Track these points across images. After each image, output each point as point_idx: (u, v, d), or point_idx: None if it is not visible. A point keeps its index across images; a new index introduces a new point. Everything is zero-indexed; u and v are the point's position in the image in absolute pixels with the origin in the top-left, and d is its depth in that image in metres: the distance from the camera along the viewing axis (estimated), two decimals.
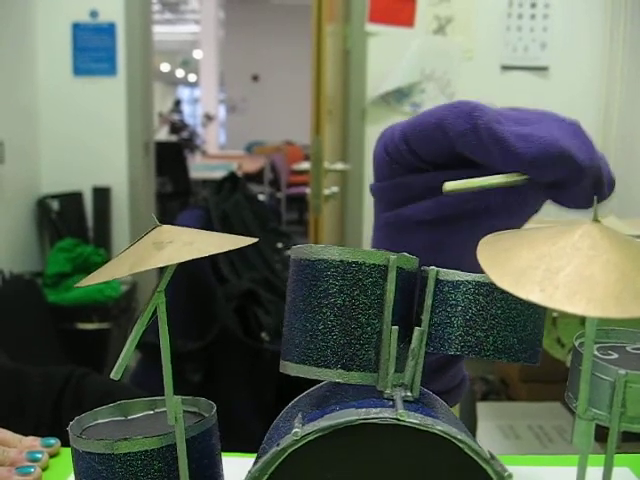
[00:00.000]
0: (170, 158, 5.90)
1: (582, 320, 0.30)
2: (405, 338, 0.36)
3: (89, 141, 3.18)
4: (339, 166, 2.35)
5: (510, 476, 0.32)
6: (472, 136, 0.46)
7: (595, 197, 0.35)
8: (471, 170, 0.48)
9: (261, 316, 1.80)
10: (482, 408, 2.31)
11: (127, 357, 0.33)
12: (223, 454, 0.42)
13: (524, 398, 2.46)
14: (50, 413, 0.76)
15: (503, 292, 0.36)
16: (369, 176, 3.11)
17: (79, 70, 3.14)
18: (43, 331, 2.63)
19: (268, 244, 2.16)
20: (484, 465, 0.32)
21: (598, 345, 0.37)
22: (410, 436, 0.32)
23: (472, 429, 1.87)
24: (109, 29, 3.12)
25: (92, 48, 3.12)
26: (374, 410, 0.33)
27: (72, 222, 3.14)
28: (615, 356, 0.35)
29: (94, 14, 3.11)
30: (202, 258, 0.32)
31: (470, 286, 0.36)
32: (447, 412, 0.38)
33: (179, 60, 12.33)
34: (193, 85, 12.96)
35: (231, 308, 1.78)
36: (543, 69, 3.08)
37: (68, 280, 2.81)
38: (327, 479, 0.33)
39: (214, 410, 0.41)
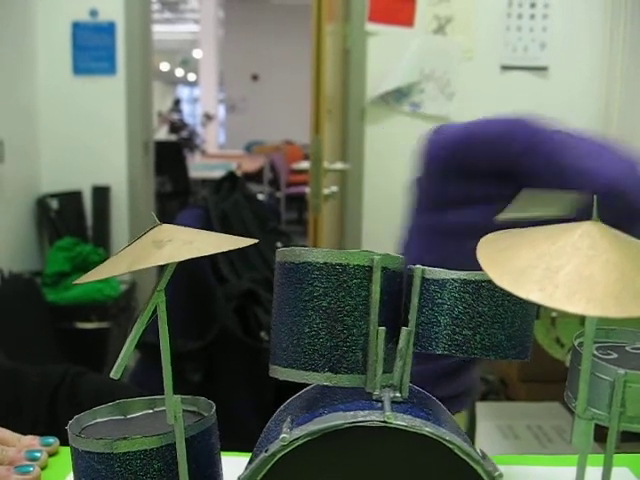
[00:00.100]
0: (169, 157, 5.89)
1: (582, 320, 0.30)
2: (392, 338, 0.36)
3: (88, 140, 3.18)
4: (338, 166, 2.35)
5: (501, 475, 0.32)
6: (531, 159, 0.46)
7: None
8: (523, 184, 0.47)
9: (261, 316, 1.80)
10: (481, 408, 2.31)
11: (127, 356, 0.33)
12: (222, 453, 0.42)
13: (523, 398, 2.45)
14: (46, 411, 0.76)
15: (490, 290, 0.36)
16: (368, 175, 3.11)
17: (79, 69, 3.14)
18: (42, 330, 2.63)
19: (268, 244, 2.16)
20: (474, 465, 0.32)
21: (597, 345, 0.37)
22: (399, 438, 0.32)
23: (471, 429, 1.87)
24: (109, 28, 3.12)
25: (92, 47, 3.12)
26: (362, 413, 0.33)
27: (71, 221, 3.13)
28: (614, 356, 0.35)
29: (94, 13, 3.11)
30: (202, 257, 0.32)
31: (456, 284, 0.36)
32: (438, 411, 0.38)
33: (179, 59, 12.32)
34: (193, 84, 12.96)
35: (231, 308, 1.77)
36: (543, 69, 3.08)
37: (67, 279, 2.81)
38: None
39: (213, 409, 0.41)
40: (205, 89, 10.53)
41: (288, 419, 0.35)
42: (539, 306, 0.28)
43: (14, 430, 0.59)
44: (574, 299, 0.25)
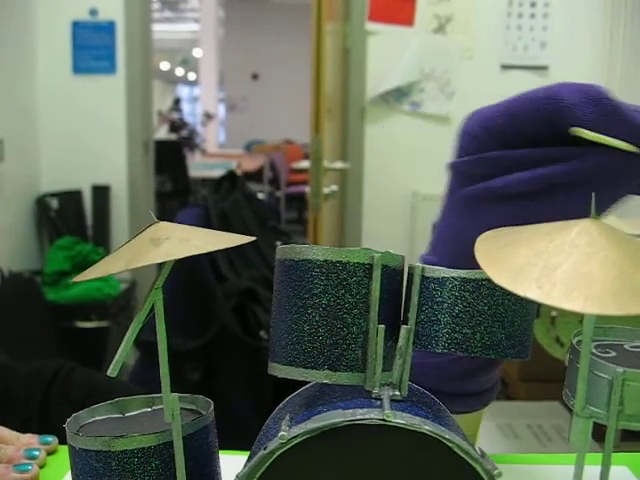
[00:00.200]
0: (169, 157, 5.90)
1: (581, 319, 0.30)
2: (392, 337, 0.36)
3: (88, 139, 3.18)
4: (338, 165, 2.35)
5: (500, 474, 0.32)
6: (587, 107, 0.46)
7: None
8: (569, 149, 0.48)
9: (260, 314, 1.80)
10: None
11: (124, 354, 0.33)
12: (221, 452, 0.42)
13: (523, 397, 2.45)
14: (38, 406, 0.76)
15: (489, 288, 0.35)
16: (368, 175, 3.11)
17: (79, 68, 3.14)
18: (42, 329, 2.63)
19: (267, 242, 2.16)
20: (473, 464, 0.32)
21: (596, 343, 0.37)
22: (398, 436, 0.32)
23: None
24: (109, 27, 3.12)
25: (92, 46, 3.12)
26: (361, 411, 0.33)
27: (71, 220, 3.13)
28: (613, 354, 0.35)
29: (94, 12, 3.11)
30: (200, 256, 0.32)
31: (456, 282, 0.36)
32: (438, 410, 0.38)
33: (179, 58, 12.32)
34: (193, 84, 12.96)
35: (230, 306, 1.78)
36: (543, 68, 3.08)
37: (67, 278, 2.81)
38: None
39: (211, 407, 0.40)
40: (205, 88, 10.53)
41: (287, 417, 0.35)
42: (539, 305, 0.28)
43: (4, 423, 0.59)
44: (572, 296, 0.25)
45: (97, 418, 0.42)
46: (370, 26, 3.00)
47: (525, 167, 0.49)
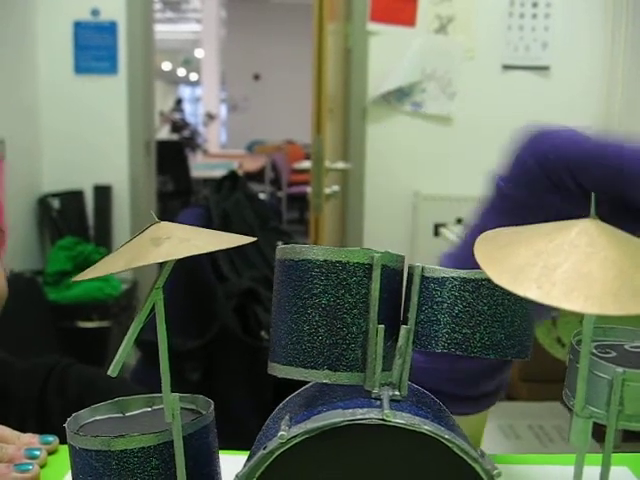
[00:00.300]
0: (171, 157, 5.90)
1: (582, 319, 0.30)
2: (392, 336, 0.36)
3: (90, 139, 3.19)
4: (340, 165, 2.35)
5: (499, 474, 0.32)
6: None
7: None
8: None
9: (261, 315, 1.80)
10: None
11: (124, 354, 0.33)
12: (221, 452, 0.42)
13: (524, 398, 2.45)
14: (35, 402, 0.76)
15: (489, 288, 0.35)
16: (369, 175, 3.11)
17: (80, 68, 3.14)
18: (44, 329, 2.63)
19: (268, 243, 2.16)
20: (473, 464, 0.32)
21: (596, 343, 0.37)
22: (397, 436, 0.32)
23: None
24: (110, 27, 3.12)
25: (93, 46, 3.12)
26: (360, 411, 0.33)
27: (73, 220, 3.14)
28: (613, 354, 0.35)
29: (95, 12, 3.11)
30: (201, 256, 0.32)
31: (456, 282, 0.36)
32: (438, 409, 0.38)
33: (180, 59, 12.33)
34: (194, 84, 12.96)
35: (231, 307, 1.78)
36: (544, 69, 3.08)
37: (68, 278, 2.81)
38: None
39: (212, 407, 0.41)
40: (207, 88, 10.54)
41: (287, 417, 0.35)
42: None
43: (4, 422, 0.59)
44: (572, 296, 0.25)
45: (97, 418, 0.42)
46: (372, 26, 3.00)
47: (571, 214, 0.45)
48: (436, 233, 3.07)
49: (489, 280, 0.31)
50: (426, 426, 0.32)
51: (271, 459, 0.33)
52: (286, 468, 0.33)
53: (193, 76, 12.77)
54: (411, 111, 3.07)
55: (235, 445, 0.57)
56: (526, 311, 0.37)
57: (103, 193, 3.18)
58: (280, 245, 0.38)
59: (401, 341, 0.36)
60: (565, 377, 0.36)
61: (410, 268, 0.37)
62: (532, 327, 0.37)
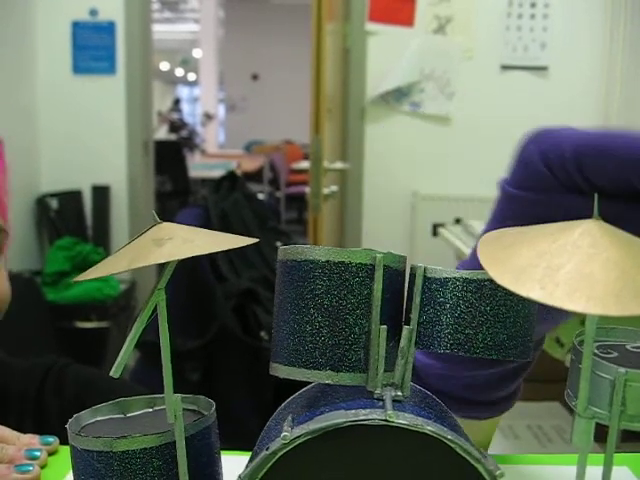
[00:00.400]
0: (169, 157, 5.90)
1: (582, 319, 0.30)
2: (394, 337, 0.36)
3: (88, 139, 3.18)
4: (338, 165, 2.35)
5: (502, 474, 0.32)
6: None
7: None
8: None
9: (260, 315, 1.80)
10: None
11: (126, 355, 0.33)
12: (222, 452, 0.42)
13: (523, 398, 2.45)
14: (32, 402, 0.76)
15: (492, 288, 0.35)
16: (368, 175, 3.11)
17: (79, 68, 3.14)
18: (42, 330, 2.63)
19: (267, 243, 2.16)
20: (475, 464, 0.32)
21: (598, 344, 0.37)
22: (400, 437, 0.32)
23: None
24: (109, 28, 3.12)
25: (92, 46, 3.12)
26: (363, 411, 0.33)
27: (71, 221, 3.14)
28: (615, 355, 0.35)
29: (94, 12, 3.11)
30: (201, 256, 0.32)
31: (458, 283, 0.36)
32: (441, 410, 0.38)
33: (179, 59, 12.32)
34: (192, 84, 12.96)
35: (230, 307, 1.78)
36: (543, 69, 3.08)
37: (67, 279, 2.81)
38: None
39: (213, 408, 0.40)
40: (205, 89, 10.53)
41: (289, 417, 0.35)
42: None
43: (3, 422, 0.59)
44: (574, 297, 0.25)
45: (99, 418, 0.42)
46: (370, 26, 3.00)
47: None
48: (434, 233, 3.07)
49: (492, 281, 0.31)
50: (429, 426, 0.32)
51: (274, 460, 0.33)
52: (289, 469, 0.33)
53: (191, 76, 12.76)
54: (409, 111, 3.07)
55: (235, 445, 0.57)
56: (528, 312, 0.37)
57: (101, 193, 3.18)
58: (280, 245, 0.38)
59: (403, 342, 0.36)
60: (565, 377, 0.36)
61: (412, 268, 0.37)
62: (533, 328, 0.37)
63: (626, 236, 0.28)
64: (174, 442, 0.36)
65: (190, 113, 12.28)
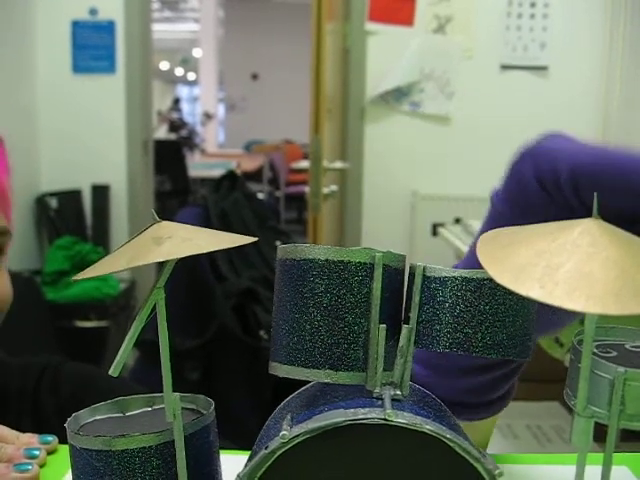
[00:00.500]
0: (169, 156, 5.90)
1: (581, 319, 0.30)
2: (393, 336, 0.36)
3: (88, 139, 3.18)
4: (338, 165, 2.35)
5: (501, 474, 0.32)
6: None
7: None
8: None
9: (260, 314, 1.80)
10: None
11: (125, 354, 0.33)
12: (221, 451, 0.42)
13: (522, 397, 2.45)
14: (30, 401, 0.76)
15: (491, 288, 0.35)
16: (368, 175, 3.11)
17: (78, 68, 3.14)
18: (42, 329, 2.63)
19: (267, 242, 2.16)
20: (475, 463, 0.32)
21: (597, 343, 0.37)
22: (399, 436, 0.32)
23: None
24: (108, 27, 3.12)
25: (91, 46, 3.12)
26: (362, 410, 0.33)
27: (71, 220, 3.13)
28: (614, 354, 0.35)
29: (93, 12, 3.11)
30: (200, 256, 0.32)
31: (457, 282, 0.36)
32: (440, 409, 0.38)
33: (178, 58, 12.32)
34: (192, 83, 12.96)
35: (230, 306, 1.78)
36: (542, 69, 3.08)
37: (67, 278, 2.81)
38: None
39: (212, 407, 0.40)
40: (205, 88, 10.53)
41: (288, 416, 0.35)
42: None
43: (1, 421, 0.59)
44: (574, 296, 0.25)
45: (98, 417, 0.42)
46: (370, 26, 3.00)
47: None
48: (434, 233, 3.08)
49: (491, 280, 0.31)
50: (428, 426, 0.32)
51: (273, 459, 0.33)
52: (288, 468, 0.33)
53: (191, 75, 12.76)
54: (409, 111, 3.07)
55: (234, 444, 0.57)
56: (528, 311, 0.37)
57: (101, 192, 3.18)
58: (279, 245, 0.38)
59: (402, 341, 0.36)
60: (564, 377, 0.36)
61: (411, 268, 0.37)
62: (533, 328, 0.37)
63: (626, 235, 0.28)
64: (173, 441, 0.36)
65: (190, 113, 12.28)
